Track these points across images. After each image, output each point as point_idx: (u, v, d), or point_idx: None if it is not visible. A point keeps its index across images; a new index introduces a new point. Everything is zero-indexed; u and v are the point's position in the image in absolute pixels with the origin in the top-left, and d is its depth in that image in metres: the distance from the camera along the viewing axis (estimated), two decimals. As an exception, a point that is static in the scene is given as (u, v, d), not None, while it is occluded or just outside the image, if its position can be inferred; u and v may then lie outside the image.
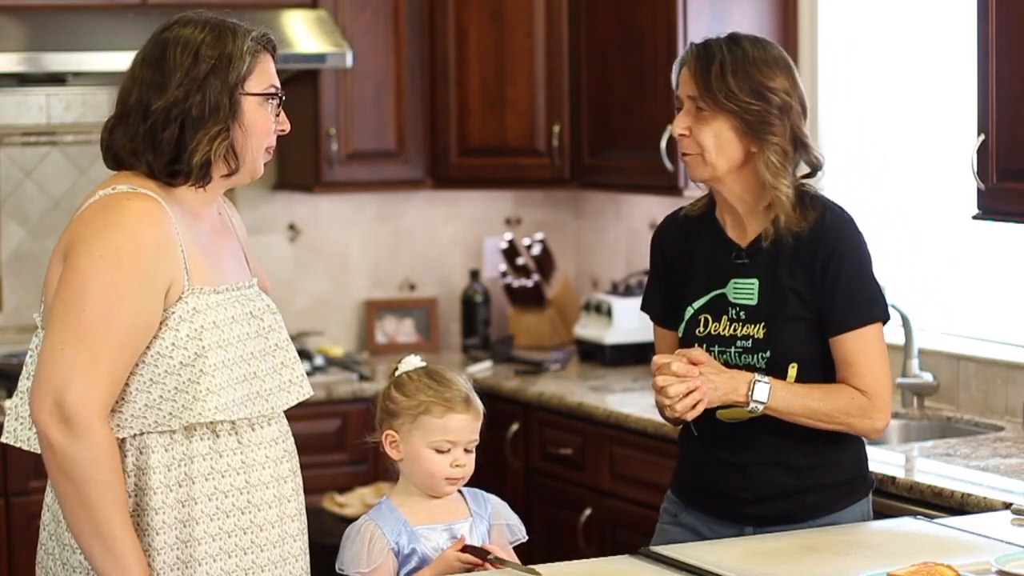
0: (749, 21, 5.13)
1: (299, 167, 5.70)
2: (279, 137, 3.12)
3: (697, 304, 3.43)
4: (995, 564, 2.93)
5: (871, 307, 3.35)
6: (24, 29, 5.09)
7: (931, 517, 3.45)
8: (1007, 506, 3.49)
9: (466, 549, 3.04)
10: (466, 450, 3.10)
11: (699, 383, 3.24)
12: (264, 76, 3.05)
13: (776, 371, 3.33)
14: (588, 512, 4.94)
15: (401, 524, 3.07)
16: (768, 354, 3.34)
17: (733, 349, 3.37)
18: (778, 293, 3.36)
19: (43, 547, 3.10)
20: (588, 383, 5.29)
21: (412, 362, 3.17)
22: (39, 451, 2.96)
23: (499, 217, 6.20)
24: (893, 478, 3.87)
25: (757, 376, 3.29)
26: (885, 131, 4.99)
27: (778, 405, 3.29)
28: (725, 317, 3.39)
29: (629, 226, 5.94)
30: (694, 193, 5.10)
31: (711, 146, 3.34)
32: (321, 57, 5.36)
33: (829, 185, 5.12)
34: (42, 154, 5.56)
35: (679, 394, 3.24)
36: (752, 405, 3.28)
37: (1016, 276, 4.59)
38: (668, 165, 5.10)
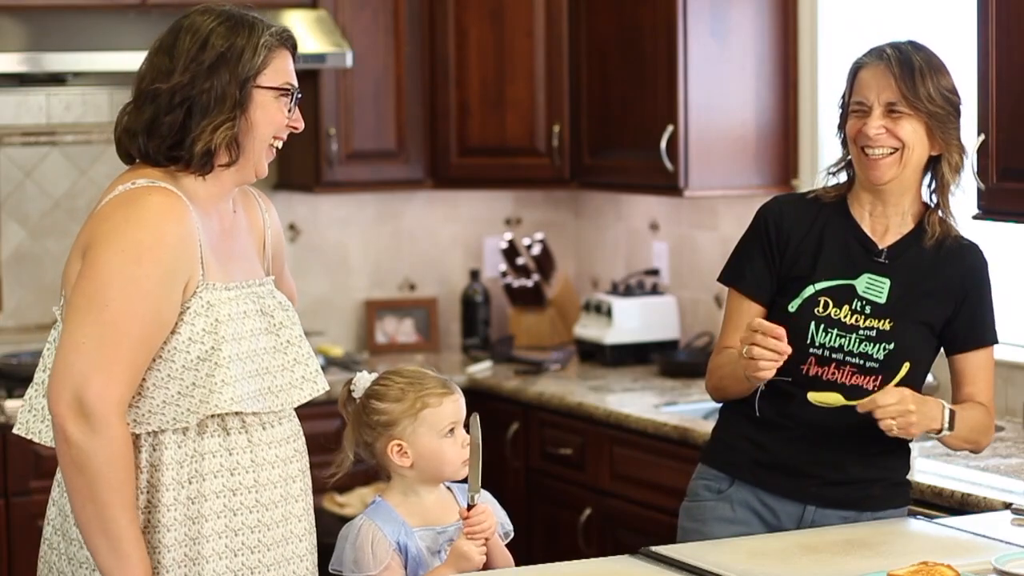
0: (749, 21, 5.13)
1: (299, 167, 5.70)
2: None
3: (820, 285, 3.47)
4: (995, 564, 2.94)
5: (995, 329, 3.53)
6: (24, 29, 5.09)
7: (931, 517, 3.45)
8: (1007, 506, 3.49)
9: (464, 516, 3.07)
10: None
11: (915, 419, 3.32)
12: (280, 72, 3.04)
13: (890, 365, 3.40)
14: (588, 512, 4.94)
15: (400, 524, 3.08)
16: (892, 347, 3.41)
17: (855, 336, 3.42)
18: (914, 295, 3.44)
19: (47, 542, 3.09)
20: (588, 383, 5.29)
21: (365, 378, 3.22)
22: (51, 444, 2.96)
23: (499, 217, 6.19)
24: (893, 478, 3.88)
25: (944, 404, 3.39)
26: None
27: (958, 431, 3.41)
28: (847, 307, 3.45)
29: (629, 226, 5.93)
30: (695, 193, 5.15)
31: (912, 142, 3.41)
32: (321, 57, 5.36)
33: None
34: (42, 154, 5.56)
35: (890, 428, 3.30)
36: (944, 432, 3.38)
37: (1016, 276, 4.58)
38: (668, 165, 5.10)
